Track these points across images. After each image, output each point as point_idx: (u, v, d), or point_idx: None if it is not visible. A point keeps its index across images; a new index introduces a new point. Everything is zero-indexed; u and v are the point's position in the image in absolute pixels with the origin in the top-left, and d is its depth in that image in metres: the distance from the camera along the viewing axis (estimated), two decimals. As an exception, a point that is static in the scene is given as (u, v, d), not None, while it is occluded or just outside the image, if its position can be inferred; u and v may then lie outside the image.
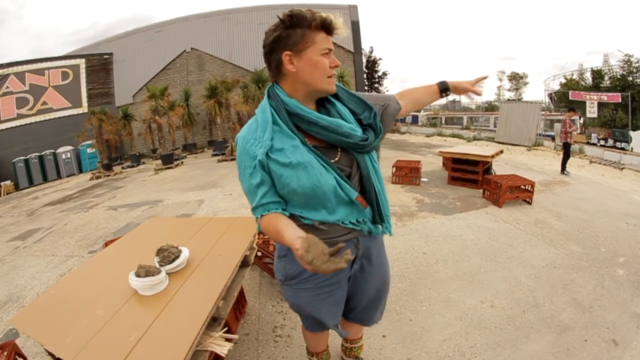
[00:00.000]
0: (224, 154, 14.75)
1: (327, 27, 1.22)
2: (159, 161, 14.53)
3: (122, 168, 16.14)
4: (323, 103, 1.36)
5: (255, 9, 22.09)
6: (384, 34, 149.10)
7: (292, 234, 1.14)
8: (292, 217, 1.32)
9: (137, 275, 1.92)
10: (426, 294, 3.27)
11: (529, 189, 6.22)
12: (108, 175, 14.11)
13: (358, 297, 1.62)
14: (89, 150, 18.23)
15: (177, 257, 2.15)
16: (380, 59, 35.78)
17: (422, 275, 3.62)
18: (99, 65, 21.61)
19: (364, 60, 30.31)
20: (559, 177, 8.94)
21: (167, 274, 2.06)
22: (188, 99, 20.26)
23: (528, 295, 3.21)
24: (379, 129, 1.36)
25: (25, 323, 1.82)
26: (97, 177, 14.08)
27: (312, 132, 1.28)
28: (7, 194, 15.51)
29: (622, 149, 13.40)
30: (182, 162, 14.82)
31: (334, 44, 1.29)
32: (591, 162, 11.76)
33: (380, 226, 1.46)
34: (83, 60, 21.20)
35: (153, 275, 1.92)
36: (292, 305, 1.58)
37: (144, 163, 17.14)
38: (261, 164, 1.23)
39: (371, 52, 36.73)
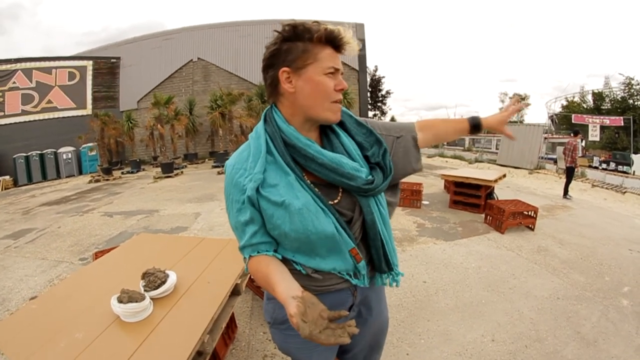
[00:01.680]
0: (224, 165, 14.79)
1: (334, 42, 1.06)
2: (159, 169, 14.54)
3: (122, 173, 16.19)
4: (327, 132, 1.19)
5: (263, 22, 22.48)
6: (388, 53, 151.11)
7: (286, 292, 1.01)
8: (284, 261, 1.18)
9: (120, 300, 1.85)
10: (425, 326, 3.19)
11: (532, 214, 6.17)
12: (107, 180, 14.17)
13: (354, 343, 1.44)
14: (90, 153, 18.30)
15: (163, 282, 2.08)
16: (383, 77, 36.23)
17: (421, 306, 3.54)
18: (106, 68, 21.90)
19: (368, 78, 30.70)
20: (561, 202, 8.91)
21: (152, 299, 1.99)
22: (192, 109, 20.44)
23: (530, 329, 3.14)
24: (389, 170, 1.18)
25: (1, 338, 1.77)
26: (96, 181, 14.11)
27: (310, 169, 1.10)
28: (5, 189, 15.44)
29: (624, 172, 13.39)
30: (182, 172, 14.83)
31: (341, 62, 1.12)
32: (593, 185, 11.73)
33: (386, 276, 1.29)
34: (91, 62, 21.49)
35: (136, 302, 1.85)
36: (281, 349, 1.38)
37: (143, 170, 17.18)
38: (250, 200, 1.08)
39: (375, 70, 37.28)
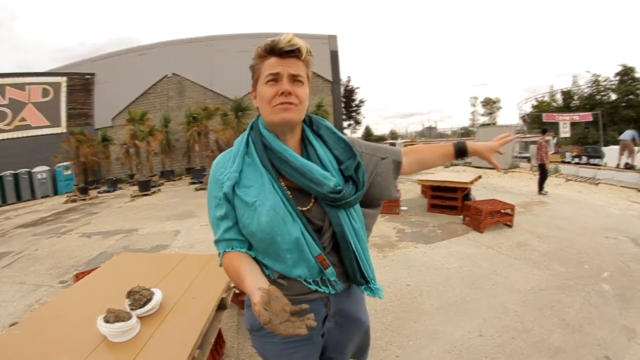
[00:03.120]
0: (201, 182, 14.68)
1: (274, 50, 1.13)
2: (136, 187, 14.33)
3: (98, 192, 15.78)
4: (306, 143, 1.26)
5: (237, 37, 22.59)
6: (361, 63, 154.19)
7: (253, 283, 1.06)
8: (256, 262, 1.23)
9: (106, 320, 1.84)
10: (412, 327, 3.23)
11: (509, 212, 6.37)
12: (84, 199, 13.78)
13: (335, 349, 1.46)
14: (65, 172, 17.65)
15: (149, 300, 2.08)
16: (358, 88, 36.85)
17: (407, 308, 3.59)
18: (81, 85, 21.32)
19: (342, 89, 31.14)
20: (537, 198, 9.24)
21: (139, 317, 1.98)
22: (167, 125, 20.20)
23: (516, 321, 3.23)
24: (362, 184, 1.22)
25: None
26: (73, 201, 13.71)
27: (284, 172, 1.17)
28: (-22, 212, 14.73)
29: (596, 164, 13.91)
30: (159, 189, 14.60)
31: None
32: (567, 180, 12.15)
33: (364, 287, 1.33)
34: (65, 78, 20.85)
35: (123, 321, 1.84)
36: (261, 355, 1.43)
37: (120, 188, 16.87)
38: (226, 197, 1.16)
39: (349, 81, 37.91)
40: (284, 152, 1.17)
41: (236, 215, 1.19)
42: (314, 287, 1.22)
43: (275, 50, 1.13)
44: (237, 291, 3.43)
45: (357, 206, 1.26)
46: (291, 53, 1.13)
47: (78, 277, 3.40)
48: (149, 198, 12.79)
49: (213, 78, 22.00)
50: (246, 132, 1.28)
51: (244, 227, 1.17)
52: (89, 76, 21.59)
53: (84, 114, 21.24)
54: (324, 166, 1.21)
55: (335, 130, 1.34)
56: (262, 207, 1.12)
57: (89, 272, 3.36)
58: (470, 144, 1.55)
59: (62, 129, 19.96)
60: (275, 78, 1.13)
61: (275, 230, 1.11)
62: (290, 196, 1.16)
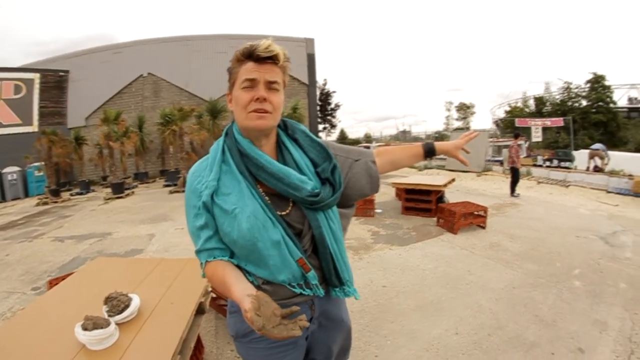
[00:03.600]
0: (176, 184, 14.37)
1: (252, 55, 1.14)
2: (109, 189, 13.96)
3: (71, 195, 15.24)
4: (281, 147, 1.28)
5: (214, 37, 22.42)
6: (336, 66, 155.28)
7: (241, 290, 1.07)
8: (239, 269, 1.23)
9: (84, 328, 1.77)
10: (389, 327, 3.26)
11: (482, 214, 6.52)
12: (55, 202, 13.28)
13: (319, 351, 1.47)
14: (36, 173, 16.87)
15: (127, 306, 2.03)
16: (334, 91, 37.06)
17: (383, 309, 3.61)
18: (54, 82, 20.35)
19: (318, 92, 31.29)
20: (509, 200, 9.50)
21: (117, 324, 1.93)
22: (142, 126, 19.74)
23: (491, 319, 3.30)
24: (338, 185, 1.25)
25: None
26: (44, 203, 13.19)
27: (261, 178, 1.18)
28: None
29: (567, 167, 14.37)
30: (132, 192, 14.24)
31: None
32: (539, 182, 12.54)
33: (339, 289, 1.33)
34: (38, 75, 19.81)
35: (102, 328, 1.78)
36: None
37: (93, 190, 16.42)
38: (205, 206, 1.16)
39: (325, 84, 38.07)
40: (259, 159, 1.18)
41: (216, 223, 1.19)
42: (298, 290, 1.22)
43: (253, 55, 1.13)
44: (214, 295, 3.39)
45: (334, 207, 1.29)
46: (268, 59, 1.14)
47: (52, 283, 3.29)
48: (122, 201, 12.54)
49: (189, 79, 21.79)
50: (221, 139, 1.28)
51: (225, 235, 1.17)
52: (63, 73, 20.78)
53: (57, 112, 20.36)
54: (300, 170, 1.23)
55: (310, 134, 1.35)
56: (242, 214, 1.12)
57: (62, 278, 3.27)
58: (437, 143, 1.60)
59: (34, 128, 19.03)
60: (252, 84, 1.14)
61: (257, 237, 1.12)
62: (269, 201, 1.17)
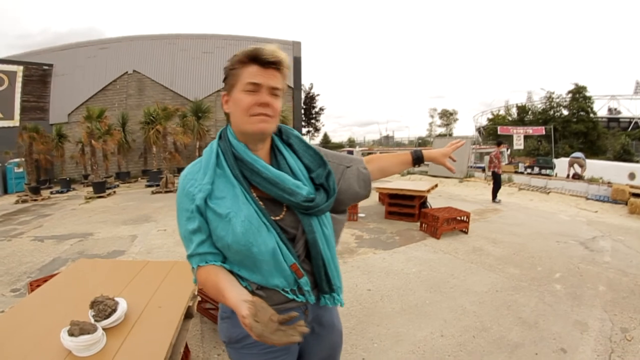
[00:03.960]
0: (158, 185, 14.21)
1: (257, 59, 1.13)
2: (91, 189, 13.76)
3: (51, 193, 14.95)
4: (276, 153, 1.28)
5: (201, 37, 22.40)
6: (321, 71, 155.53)
7: (237, 296, 1.06)
8: (232, 274, 1.23)
9: (71, 333, 1.72)
10: (375, 330, 3.29)
11: (465, 219, 6.64)
12: (35, 200, 13.02)
13: (311, 356, 1.47)
14: (16, 170, 16.50)
15: (114, 310, 1.97)
16: (318, 95, 37.22)
17: (369, 312, 3.64)
18: (38, 75, 19.21)
19: (303, 96, 31.47)
20: (491, 206, 9.71)
21: (104, 329, 1.88)
22: (125, 124, 19.50)
23: (475, 321, 3.37)
24: (332, 191, 1.27)
25: None
26: (24, 201, 12.89)
27: (255, 183, 1.18)
28: None
29: (547, 175, 14.70)
30: (114, 192, 14.06)
31: None
32: (520, 189, 12.75)
33: (328, 296, 1.34)
34: (21, 67, 18.64)
35: (89, 334, 1.73)
36: None
37: (74, 189, 16.15)
38: (199, 209, 1.15)
39: (311, 88, 38.27)
40: (254, 163, 1.18)
41: (209, 228, 1.18)
42: (291, 296, 1.22)
43: (258, 59, 1.13)
44: (200, 298, 3.37)
45: (328, 213, 1.30)
46: (273, 64, 1.14)
47: (32, 285, 3.19)
48: (104, 200, 12.34)
49: (174, 78, 21.73)
50: (215, 142, 1.27)
51: (218, 239, 1.16)
52: (47, 67, 19.82)
53: (40, 107, 19.50)
54: (294, 175, 1.23)
55: (304, 140, 1.36)
56: (236, 219, 1.12)
57: (43, 279, 3.18)
58: (426, 151, 1.64)
59: (15, 122, 18.13)
60: (255, 88, 1.14)
61: (251, 241, 1.12)
62: (263, 206, 1.17)
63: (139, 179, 19.53)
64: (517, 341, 3.01)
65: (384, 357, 2.88)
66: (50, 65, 19.88)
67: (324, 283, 1.28)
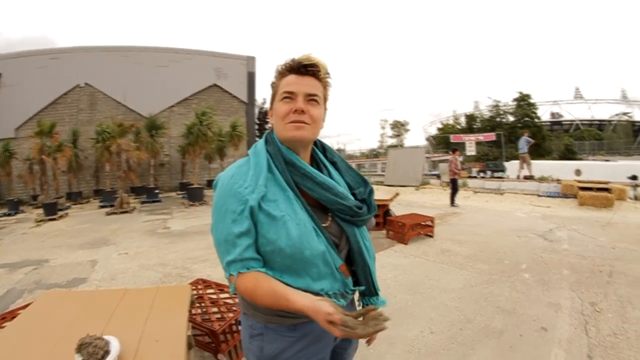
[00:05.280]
0: (112, 205, 13.52)
1: (291, 67, 1.18)
2: (41, 210, 12.89)
3: None
4: (320, 166, 1.32)
5: (155, 50, 21.84)
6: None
7: (308, 297, 1.04)
8: None
9: None
10: (367, 336, 3.40)
11: (430, 224, 6.96)
12: None
13: None
14: None
15: (107, 352, 1.65)
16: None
17: (355, 320, 3.75)
18: None
19: (257, 111, 31.43)
20: (450, 210, 10.23)
21: None
22: (76, 140, 18.32)
23: (459, 315, 3.59)
24: (373, 208, 1.33)
25: None
26: None
27: (305, 188, 1.19)
28: None
29: (500, 177, 15.54)
30: (66, 214, 13.17)
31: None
32: (475, 192, 13.42)
33: (374, 298, 1.39)
34: None
35: None
36: None
37: (22, 211, 15.09)
38: (252, 210, 1.11)
39: (264, 103, 38.27)
40: (307, 168, 1.20)
41: (257, 231, 1.14)
42: (334, 300, 1.14)
43: (294, 66, 1.18)
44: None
45: (366, 229, 1.36)
46: (309, 69, 1.18)
47: None
48: (56, 223, 11.57)
49: (127, 92, 20.97)
50: (261, 145, 1.26)
51: (268, 243, 1.13)
52: None
53: None
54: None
55: (344, 160, 1.42)
56: (291, 222, 1.12)
57: (2, 317, 2.85)
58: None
59: None
60: (291, 96, 1.17)
61: (305, 245, 1.12)
62: (312, 212, 1.19)
63: (91, 199, 18.59)
64: (501, 327, 3.27)
65: (383, 360, 3.03)
66: (-1, 75, 18.25)
67: (371, 287, 1.34)
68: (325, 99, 1.26)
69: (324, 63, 1.21)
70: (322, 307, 0.98)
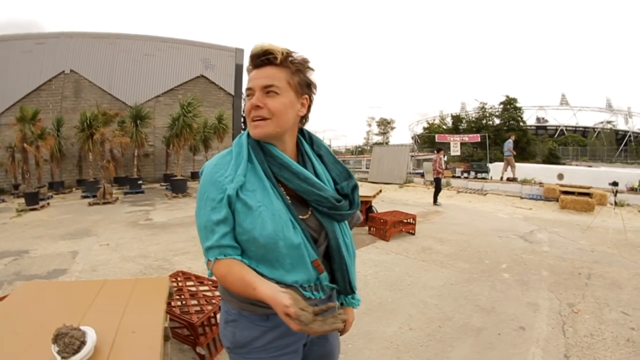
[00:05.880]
0: (95, 196, 13.18)
1: (251, 62, 1.17)
2: (22, 200, 12.57)
3: None
4: (305, 158, 1.30)
5: (143, 38, 21.45)
6: None
7: (272, 287, 1.04)
8: None
9: None
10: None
11: (412, 221, 7.02)
12: None
13: (317, 358, 1.46)
14: None
15: (83, 342, 1.62)
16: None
17: (335, 315, 3.77)
18: None
19: (243, 104, 31.36)
20: (433, 208, 10.33)
21: None
22: (60, 129, 17.83)
23: (438, 312, 3.63)
24: (356, 204, 1.30)
25: None
26: None
27: (283, 178, 1.19)
28: None
29: (483, 178, 15.72)
30: (48, 203, 12.86)
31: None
32: (458, 192, 13.58)
33: (350, 297, 1.37)
34: None
35: None
36: None
37: (3, 201, 14.71)
38: (229, 199, 1.12)
39: None
40: (284, 158, 1.20)
41: (234, 220, 1.16)
42: (308, 293, 1.21)
43: (251, 61, 1.17)
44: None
45: (347, 225, 1.36)
46: (264, 60, 1.14)
47: None
48: (38, 213, 11.29)
49: (112, 80, 20.52)
50: (244, 136, 1.26)
51: (244, 232, 1.14)
52: None
53: None
54: (321, 181, 1.25)
55: (332, 153, 1.39)
56: (266, 212, 1.12)
57: None
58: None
59: None
60: (251, 92, 1.16)
61: (279, 235, 1.12)
62: (290, 203, 1.18)
63: (74, 189, 18.10)
64: (480, 325, 3.32)
65: (360, 356, 3.00)
66: (-22, 58, 17.58)
67: (347, 285, 1.32)
68: (293, 85, 1.18)
69: (280, 47, 1.15)
70: (281, 299, 0.99)
